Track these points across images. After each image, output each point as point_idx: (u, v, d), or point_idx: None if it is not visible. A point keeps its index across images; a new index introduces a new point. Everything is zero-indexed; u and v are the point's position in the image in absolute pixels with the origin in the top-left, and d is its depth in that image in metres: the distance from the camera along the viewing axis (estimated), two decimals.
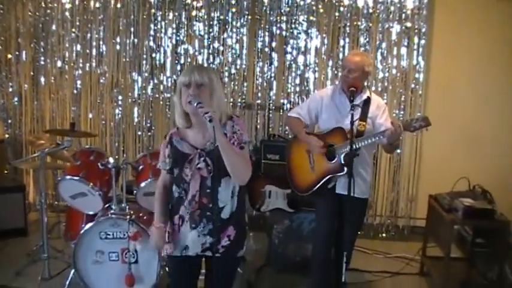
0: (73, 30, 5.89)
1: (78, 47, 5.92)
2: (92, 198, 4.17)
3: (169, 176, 2.82)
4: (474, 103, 5.60)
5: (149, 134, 6.01)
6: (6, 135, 6.13)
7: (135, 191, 4.20)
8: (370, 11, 5.55)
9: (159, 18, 5.80)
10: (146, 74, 5.92)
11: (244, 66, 5.84)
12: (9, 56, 5.99)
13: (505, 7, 5.40)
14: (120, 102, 5.98)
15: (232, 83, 5.85)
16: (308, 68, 5.76)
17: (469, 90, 5.59)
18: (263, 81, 5.85)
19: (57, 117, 6.10)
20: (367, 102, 3.75)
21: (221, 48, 5.81)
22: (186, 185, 2.70)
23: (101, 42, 5.89)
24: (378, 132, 3.60)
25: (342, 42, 5.65)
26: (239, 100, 5.88)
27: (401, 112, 5.68)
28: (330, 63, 5.69)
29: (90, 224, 3.91)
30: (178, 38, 5.83)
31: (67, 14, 5.85)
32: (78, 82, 5.99)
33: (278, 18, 5.71)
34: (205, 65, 5.77)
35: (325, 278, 3.96)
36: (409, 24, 5.53)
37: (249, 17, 5.74)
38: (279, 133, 5.73)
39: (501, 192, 4.62)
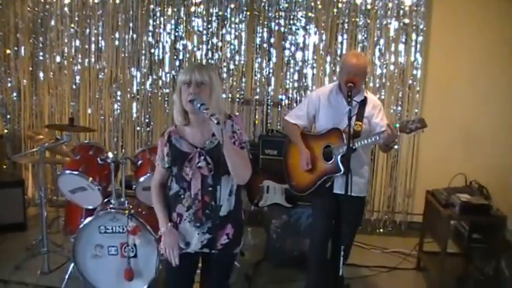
0: (72, 25, 5.89)
1: (77, 43, 5.92)
2: (91, 193, 4.19)
3: (166, 173, 2.84)
4: (473, 102, 5.61)
5: (148, 129, 6.03)
6: (5, 131, 6.15)
7: (134, 186, 4.23)
8: (368, 7, 5.55)
9: (158, 14, 5.81)
10: (145, 70, 5.93)
11: (242, 62, 5.85)
12: (8, 51, 5.99)
13: (505, 6, 5.40)
14: (119, 98, 5.99)
15: (231, 78, 5.86)
16: (306, 64, 5.77)
17: (468, 90, 5.60)
18: (261, 77, 5.87)
19: (56, 113, 6.11)
20: (363, 102, 3.77)
21: (220, 44, 5.82)
22: (186, 183, 2.71)
23: (100, 38, 5.90)
24: (375, 133, 3.61)
25: (340, 39, 5.66)
26: (237, 96, 5.90)
27: (399, 108, 5.70)
28: (328, 59, 5.71)
29: (89, 218, 3.92)
30: (177, 34, 5.84)
31: (66, 9, 5.85)
32: (77, 77, 6.00)
33: (276, 14, 5.71)
34: (204, 60, 5.79)
35: (322, 276, 4.00)
36: (407, 21, 5.54)
37: (248, 13, 5.75)
38: (277, 129, 5.74)
39: (498, 189, 4.67)
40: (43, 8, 5.87)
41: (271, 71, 5.85)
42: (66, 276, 4.14)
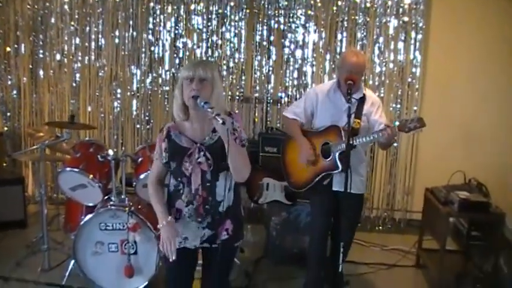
0: (72, 23, 5.89)
1: (77, 40, 5.92)
2: (92, 190, 4.21)
3: (164, 169, 2.84)
4: (472, 100, 5.62)
5: (148, 127, 6.04)
6: (5, 128, 6.15)
7: (134, 183, 4.24)
8: (368, 5, 5.57)
9: (158, 12, 5.81)
10: (145, 68, 5.94)
11: (242, 59, 5.86)
12: (8, 49, 5.99)
13: (504, 5, 5.41)
14: (118, 96, 6.00)
15: (231, 76, 5.87)
16: (306, 61, 5.78)
17: (468, 88, 5.61)
18: (261, 74, 5.88)
19: (56, 110, 6.11)
20: (362, 99, 3.78)
21: (219, 42, 5.83)
22: (185, 178, 2.72)
23: (100, 36, 5.90)
24: (374, 131, 3.63)
25: (339, 37, 5.67)
26: (237, 93, 5.91)
27: (398, 106, 5.71)
28: (328, 57, 5.72)
29: (90, 216, 3.94)
30: (176, 32, 5.85)
31: (66, 7, 5.85)
32: (77, 75, 6.00)
33: (276, 12, 5.73)
34: (204, 58, 5.80)
35: (322, 273, 4.04)
36: (406, 19, 5.55)
37: (247, 11, 5.76)
38: (277, 126, 5.76)
39: (497, 186, 4.68)
40: (43, 6, 5.87)
41: (270, 68, 5.86)
42: (67, 273, 4.16)
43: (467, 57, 5.57)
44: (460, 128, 5.66)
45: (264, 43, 5.80)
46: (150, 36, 5.88)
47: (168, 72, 5.94)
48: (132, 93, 6.01)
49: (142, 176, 4.14)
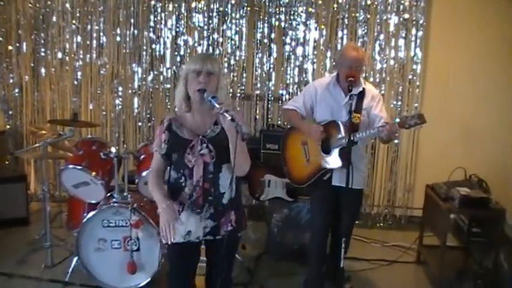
0: (73, 21, 5.90)
1: (79, 39, 5.94)
2: (95, 187, 4.24)
3: (163, 161, 2.84)
4: (473, 99, 5.62)
5: (149, 124, 6.06)
6: (7, 127, 6.17)
7: (136, 180, 4.26)
8: (368, 2, 5.57)
9: (159, 10, 5.82)
10: (146, 65, 5.96)
11: (243, 57, 5.87)
12: (10, 47, 6.01)
13: (504, 4, 5.42)
14: (120, 93, 6.01)
15: (232, 73, 5.88)
16: (307, 59, 5.79)
17: (468, 87, 5.62)
18: (262, 72, 5.89)
19: (58, 108, 6.13)
20: (361, 94, 3.77)
21: (220, 39, 5.84)
22: (188, 170, 2.73)
23: (101, 34, 5.91)
24: (375, 127, 3.63)
25: (340, 34, 5.68)
26: (238, 91, 5.92)
27: (399, 103, 5.72)
28: (329, 54, 5.73)
29: (92, 212, 3.97)
30: (178, 30, 5.86)
31: (67, 5, 5.87)
32: (79, 73, 6.02)
33: (277, 9, 5.73)
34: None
35: (322, 269, 4.07)
36: (406, 16, 5.56)
37: (248, 9, 5.77)
38: (278, 123, 5.78)
39: (497, 182, 4.69)
40: (44, 4, 5.88)
41: (271, 66, 5.87)
42: (70, 270, 4.18)
43: (467, 56, 5.57)
44: (461, 124, 5.66)
45: (265, 40, 5.81)
46: (151, 34, 5.89)
47: (169, 70, 5.95)
48: (134, 91, 6.02)
49: (144, 173, 4.17)
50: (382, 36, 5.64)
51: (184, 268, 2.96)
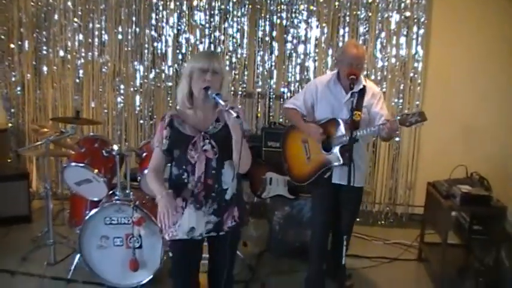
0: (75, 19, 5.92)
1: (80, 37, 5.95)
2: (97, 185, 4.25)
3: (163, 157, 2.84)
4: (473, 96, 5.63)
5: (151, 122, 6.08)
6: (10, 125, 6.18)
7: (139, 178, 4.27)
8: (370, 0, 5.58)
9: (161, 8, 5.84)
10: (148, 63, 5.97)
11: (245, 55, 5.89)
12: (12, 45, 6.01)
13: (504, 4, 5.43)
14: (122, 91, 6.03)
15: (233, 71, 5.89)
16: (308, 57, 5.81)
17: (469, 85, 5.63)
18: (264, 70, 5.91)
19: (60, 106, 6.14)
20: (362, 91, 3.76)
21: (222, 37, 5.85)
22: (190, 166, 2.73)
23: (103, 32, 5.93)
24: (376, 125, 3.62)
25: (341, 32, 5.69)
26: (240, 89, 5.93)
27: (400, 101, 5.73)
28: (330, 52, 5.74)
29: (95, 210, 3.98)
30: (179, 28, 5.87)
31: (69, 3, 5.88)
32: (81, 71, 6.04)
33: (278, 7, 5.75)
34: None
35: (324, 266, 4.08)
36: (408, 14, 5.57)
37: (250, 7, 5.78)
38: (280, 121, 5.79)
39: (498, 180, 4.70)
40: (46, 3, 5.89)
41: (273, 64, 5.89)
42: (72, 267, 4.19)
43: (467, 54, 5.58)
44: (462, 122, 5.67)
45: (267, 38, 5.82)
46: (153, 32, 5.90)
47: (171, 68, 5.96)
48: (135, 89, 6.04)
49: (146, 171, 4.14)
50: (383, 34, 5.65)
51: (187, 265, 2.96)
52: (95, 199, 4.33)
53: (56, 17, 5.93)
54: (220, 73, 2.70)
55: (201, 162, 2.72)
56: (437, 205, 4.51)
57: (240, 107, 5.64)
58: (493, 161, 5.35)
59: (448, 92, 5.66)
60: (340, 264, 3.58)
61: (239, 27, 5.82)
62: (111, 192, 4.24)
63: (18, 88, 6.12)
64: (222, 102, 2.56)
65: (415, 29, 5.59)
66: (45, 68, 6.06)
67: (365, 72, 5.44)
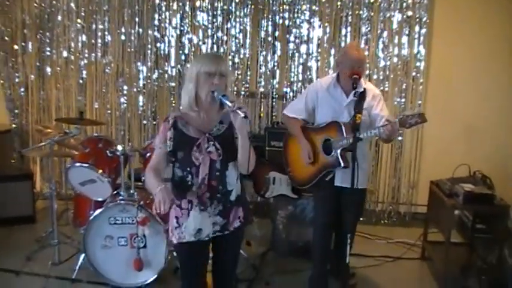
0: (78, 20, 5.93)
1: (84, 37, 5.97)
2: (101, 185, 4.27)
3: (164, 158, 2.81)
4: (475, 95, 5.64)
5: (154, 122, 6.09)
6: (13, 125, 6.20)
7: (143, 178, 4.25)
8: (372, 0, 5.60)
9: (163, 9, 5.86)
10: (151, 64, 5.98)
11: (247, 55, 5.90)
12: (16, 46, 6.03)
13: (506, 3, 5.44)
14: (125, 92, 6.05)
15: (236, 72, 5.90)
16: (311, 56, 5.82)
17: (471, 84, 5.64)
18: (266, 70, 5.92)
19: (63, 107, 6.16)
20: (362, 93, 3.72)
21: (225, 37, 5.87)
22: (194, 168, 2.73)
23: (106, 33, 5.94)
24: (376, 126, 3.62)
25: (343, 31, 5.70)
26: (243, 89, 5.95)
27: (403, 100, 5.74)
28: (332, 51, 5.75)
29: (99, 210, 3.99)
30: (182, 28, 5.89)
31: (72, 4, 5.89)
32: (84, 72, 6.05)
33: (281, 7, 5.76)
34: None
35: (327, 266, 4.11)
36: (410, 13, 5.58)
37: (252, 7, 5.80)
38: (282, 121, 5.79)
39: (501, 179, 4.71)
40: (50, 4, 5.91)
41: (276, 64, 5.90)
42: (77, 267, 4.21)
43: (469, 53, 5.60)
44: (464, 122, 5.68)
45: (269, 38, 5.84)
46: (156, 33, 5.92)
47: (173, 69, 5.98)
48: (138, 89, 6.05)
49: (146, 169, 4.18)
50: (385, 34, 5.66)
51: (195, 267, 2.96)
52: (99, 199, 4.35)
53: (59, 18, 5.94)
54: (226, 75, 2.72)
55: (205, 164, 2.72)
56: (440, 204, 4.52)
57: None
58: (496, 160, 5.37)
59: (450, 91, 5.67)
60: (344, 263, 3.58)
61: (242, 27, 5.84)
62: (115, 192, 4.25)
63: (22, 89, 6.14)
64: (229, 104, 2.58)
65: (417, 28, 5.60)
66: (48, 69, 6.08)
67: (366, 73, 5.47)
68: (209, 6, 5.80)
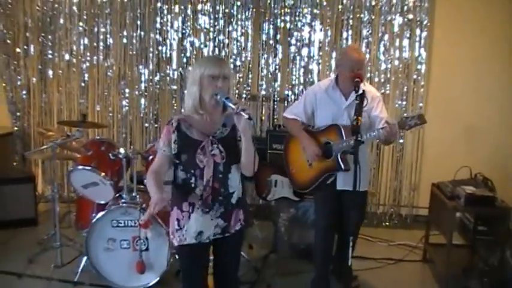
0: (80, 23, 5.95)
1: (86, 41, 5.99)
2: (104, 188, 4.28)
3: (166, 161, 2.81)
4: (477, 97, 5.65)
5: (156, 125, 6.10)
6: (15, 128, 6.21)
7: (145, 181, 4.27)
8: (373, 3, 5.61)
9: (165, 12, 5.87)
10: (152, 67, 6.00)
11: (249, 58, 5.91)
12: (18, 49, 6.05)
13: (508, 4, 5.46)
14: (127, 95, 6.06)
15: (238, 75, 5.91)
16: (312, 59, 5.83)
17: (472, 87, 5.65)
18: (268, 73, 5.93)
19: (65, 110, 6.17)
20: (361, 96, 3.70)
21: (226, 41, 5.88)
22: (199, 171, 2.74)
23: (108, 36, 5.96)
24: (376, 129, 3.62)
25: (345, 35, 5.71)
26: (244, 92, 5.95)
27: (404, 103, 5.75)
28: (334, 55, 5.75)
29: (102, 213, 4.01)
30: (184, 31, 5.91)
31: (74, 8, 5.92)
32: (86, 75, 6.07)
33: (282, 11, 5.78)
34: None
35: (328, 269, 4.11)
36: (411, 16, 5.59)
37: (254, 10, 5.81)
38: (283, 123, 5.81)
39: (502, 181, 4.72)
40: (52, 7, 5.93)
41: (277, 67, 5.91)
42: (79, 270, 4.22)
43: (470, 56, 5.61)
44: (465, 124, 5.69)
45: (271, 42, 5.85)
46: (158, 36, 5.94)
47: (175, 72, 5.99)
48: (140, 92, 6.07)
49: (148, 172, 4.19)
50: (386, 37, 5.67)
51: (196, 269, 2.97)
52: (102, 202, 4.36)
53: (61, 21, 5.96)
54: (229, 78, 2.74)
55: (209, 167, 2.74)
56: (441, 206, 4.52)
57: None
58: (496, 162, 5.38)
59: (451, 94, 5.68)
60: (346, 265, 3.58)
61: (243, 30, 5.85)
62: (117, 195, 4.26)
63: (24, 92, 6.16)
64: (232, 106, 2.59)
65: (418, 31, 5.62)
66: (50, 72, 6.10)
67: (367, 76, 5.50)
68: (211, 10, 5.81)
